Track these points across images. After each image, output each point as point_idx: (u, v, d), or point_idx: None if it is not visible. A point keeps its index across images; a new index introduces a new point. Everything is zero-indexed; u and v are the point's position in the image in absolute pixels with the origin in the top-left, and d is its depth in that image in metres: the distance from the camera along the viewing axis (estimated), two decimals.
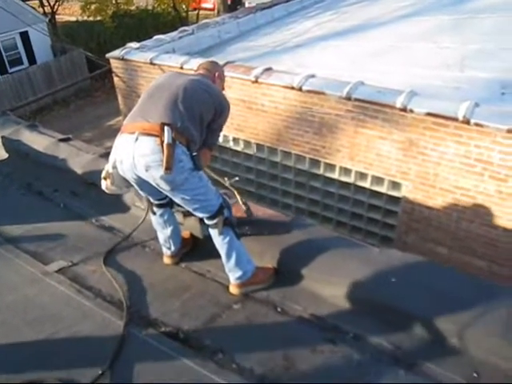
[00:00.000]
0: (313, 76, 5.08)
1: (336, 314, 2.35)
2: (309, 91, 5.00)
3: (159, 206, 2.61)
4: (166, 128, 2.15)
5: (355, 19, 7.72)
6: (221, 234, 2.40)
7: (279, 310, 2.42)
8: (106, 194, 2.61)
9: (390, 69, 5.69)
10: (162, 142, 2.13)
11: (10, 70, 16.73)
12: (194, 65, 5.71)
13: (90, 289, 2.58)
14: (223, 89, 2.74)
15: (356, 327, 2.27)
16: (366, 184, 5.20)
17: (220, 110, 2.44)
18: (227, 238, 2.41)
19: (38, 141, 4.23)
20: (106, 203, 3.36)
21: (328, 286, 2.45)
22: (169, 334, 2.22)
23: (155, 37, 7.04)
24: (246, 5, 19.26)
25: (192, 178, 2.24)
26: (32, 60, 17.40)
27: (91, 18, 18.93)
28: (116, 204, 3.37)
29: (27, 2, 19.95)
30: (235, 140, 6.08)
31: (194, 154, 2.23)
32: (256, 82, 5.33)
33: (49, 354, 2.16)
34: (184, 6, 20.23)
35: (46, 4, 19.89)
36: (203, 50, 7.04)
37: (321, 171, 5.49)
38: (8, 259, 2.90)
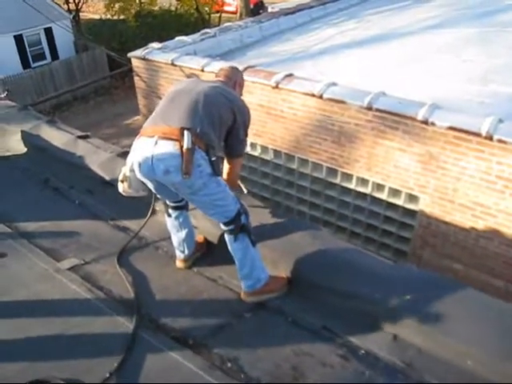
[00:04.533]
0: (334, 84, 5.04)
1: (349, 329, 2.30)
2: (329, 99, 4.96)
3: (175, 208, 2.59)
4: (185, 132, 2.13)
5: (379, 28, 7.66)
6: (236, 240, 2.36)
7: (290, 320, 2.37)
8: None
9: (413, 80, 5.63)
10: (182, 147, 2.11)
11: (33, 65, 16.96)
12: (214, 68, 5.71)
13: (101, 288, 2.56)
14: (241, 95, 2.72)
15: (369, 343, 2.22)
16: (383, 196, 5.13)
17: (240, 115, 2.42)
18: (243, 245, 2.37)
19: (57, 137, 4.25)
20: (121, 203, 3.33)
21: (342, 300, 2.40)
22: (178, 339, 2.19)
23: (177, 38, 7.06)
24: (269, 9, 19.29)
25: (210, 183, 2.21)
26: (55, 56, 17.63)
27: (115, 17, 19.11)
28: (131, 204, 3.34)
29: None
30: (252, 145, 6.05)
31: (213, 158, 2.21)
32: (276, 87, 5.31)
33: (57, 353, 2.14)
34: (207, 9, 20.31)
35: (71, 1, 20.11)
36: (224, 53, 7.04)
37: (337, 180, 5.44)
38: (21, 254, 2.90)
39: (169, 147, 2.13)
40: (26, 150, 4.40)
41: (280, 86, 5.28)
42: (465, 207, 4.58)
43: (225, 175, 2.55)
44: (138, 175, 2.26)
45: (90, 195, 3.66)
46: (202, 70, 5.80)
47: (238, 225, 2.34)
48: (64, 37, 16.46)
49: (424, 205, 4.85)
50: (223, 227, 2.40)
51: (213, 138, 2.24)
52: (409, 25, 7.55)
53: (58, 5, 18.59)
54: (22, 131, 4.42)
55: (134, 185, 2.36)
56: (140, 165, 2.21)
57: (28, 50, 16.89)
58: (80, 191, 3.72)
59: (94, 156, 3.91)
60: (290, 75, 5.35)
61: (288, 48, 7.15)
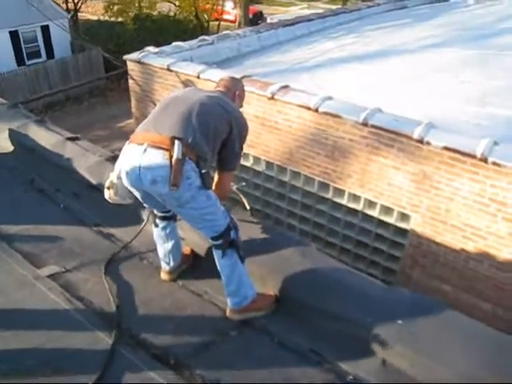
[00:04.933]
0: (330, 98, 4.99)
1: (337, 353, 2.21)
2: (325, 113, 4.91)
3: (163, 218, 2.50)
4: (176, 142, 2.05)
5: (378, 44, 7.66)
6: (224, 255, 2.28)
7: (277, 341, 2.29)
8: None
9: (410, 98, 5.60)
10: (171, 157, 2.02)
11: (28, 63, 16.80)
12: (210, 75, 5.65)
13: (81, 299, 2.45)
14: (241, 106, 2.64)
15: (357, 368, 2.14)
16: (375, 213, 5.08)
17: (237, 128, 2.33)
18: (231, 261, 2.29)
19: (46, 137, 4.15)
20: (107, 209, 3.21)
21: (331, 322, 2.32)
22: (159, 357, 2.09)
23: (174, 43, 6.99)
24: (268, 20, 19.38)
25: (199, 196, 2.13)
26: (50, 54, 17.49)
27: (113, 19, 19.04)
28: (117, 211, 3.24)
29: None
30: (245, 155, 5.98)
31: (203, 171, 2.12)
32: (272, 98, 5.25)
33: (33, 366, 2.03)
34: (206, 16, 20.34)
35: (70, 1, 20.02)
36: (221, 61, 6.98)
37: (329, 195, 5.37)
38: (1, 259, 2.78)
39: (158, 156, 2.05)
40: (13, 148, 4.30)
41: (276, 97, 5.22)
42: (456, 228, 4.53)
43: (214, 188, 2.46)
44: (125, 183, 2.17)
45: (76, 199, 3.56)
46: (198, 77, 5.73)
47: (226, 240, 2.25)
48: (61, 36, 16.36)
49: (415, 224, 4.80)
50: (211, 241, 2.31)
51: (205, 149, 2.16)
52: (408, 42, 7.56)
53: (57, 4, 18.49)
54: (10, 129, 4.31)
55: (120, 192, 2.27)
56: (127, 173, 2.12)
57: (23, 46, 16.73)
58: (66, 194, 3.61)
59: (82, 159, 3.81)
60: (286, 87, 5.30)
61: (285, 59, 7.11)
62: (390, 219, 4.99)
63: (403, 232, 4.97)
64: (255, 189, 6.10)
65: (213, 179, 2.40)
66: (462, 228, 4.50)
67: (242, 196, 2.87)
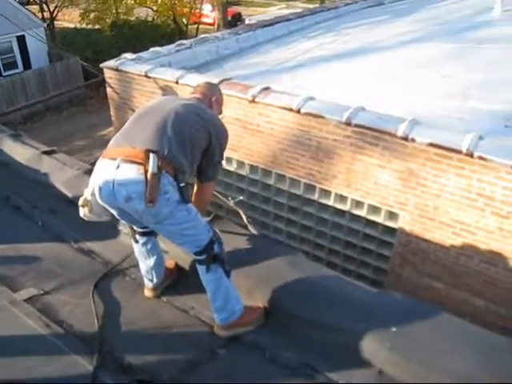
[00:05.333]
0: (312, 98, 4.92)
1: (331, 365, 2.13)
2: (307, 114, 4.83)
3: (143, 234, 2.39)
4: (151, 156, 1.94)
5: (357, 42, 7.62)
6: (208, 271, 2.18)
7: (268, 356, 2.19)
8: None
9: (392, 95, 5.55)
10: (146, 171, 1.92)
11: (4, 74, 16.50)
12: (189, 80, 5.54)
13: (60, 323, 2.33)
14: (220, 113, 2.53)
15: (353, 380, 2.05)
16: (362, 213, 5.01)
17: (216, 136, 2.23)
18: (215, 276, 2.19)
19: (21, 152, 4.02)
20: (86, 224, 3.07)
21: (322, 332, 2.23)
22: (143, 382, 1.98)
23: (152, 49, 6.87)
24: (247, 21, 19.30)
25: (178, 211, 2.02)
26: (27, 65, 17.19)
27: (90, 26, 18.80)
28: (97, 226, 3.12)
29: (27, 7, 19.87)
30: (228, 160, 5.87)
31: (182, 184, 2.01)
32: (253, 101, 5.16)
33: None
34: (184, 20, 20.19)
35: (46, 9, 19.75)
36: (200, 65, 6.88)
37: (315, 197, 5.30)
38: None
39: (132, 171, 1.94)
40: None
41: (256, 99, 5.13)
42: (445, 225, 4.48)
43: (193, 200, 2.36)
44: (99, 200, 2.06)
45: (54, 215, 3.43)
46: (177, 82, 5.61)
47: (210, 254, 2.15)
48: (37, 45, 16.06)
49: (404, 222, 4.74)
50: (194, 257, 2.21)
51: (183, 161, 2.05)
52: (387, 39, 7.52)
53: (33, 13, 18.20)
54: None
55: (95, 210, 2.15)
56: (100, 189, 2.01)
57: None
58: (43, 211, 3.48)
59: (60, 173, 3.69)
60: (267, 88, 5.21)
61: (265, 60, 7.03)
62: (378, 218, 4.93)
63: (392, 231, 4.91)
64: (239, 193, 6.00)
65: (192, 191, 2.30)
66: (450, 224, 4.45)
67: (241, 212, 2.75)
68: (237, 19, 22.50)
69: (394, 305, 2.31)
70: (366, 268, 5.34)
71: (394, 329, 2.12)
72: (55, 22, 20.26)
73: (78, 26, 19.48)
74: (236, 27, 8.65)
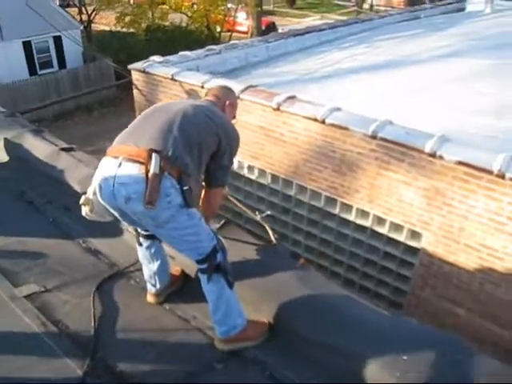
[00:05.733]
0: (338, 109, 4.79)
1: None
2: (332, 125, 4.70)
3: (147, 237, 2.30)
4: (153, 155, 1.84)
5: (389, 55, 7.45)
6: (210, 280, 2.06)
7: (268, 374, 2.06)
8: None
9: (422, 110, 5.37)
10: (148, 172, 1.82)
11: (40, 72, 16.89)
12: (215, 85, 5.48)
13: (56, 323, 2.25)
14: (234, 118, 2.43)
15: None
16: (384, 230, 4.83)
17: (226, 140, 2.12)
18: (217, 286, 2.07)
19: (40, 147, 4.00)
20: (97, 223, 3.05)
21: (328, 354, 2.09)
22: None
23: (181, 53, 6.86)
24: (279, 31, 19.27)
25: (180, 215, 1.91)
26: (62, 64, 17.56)
27: (124, 30, 19.09)
28: (107, 227, 3.06)
29: (67, 9, 20.37)
30: (250, 168, 5.79)
31: (185, 188, 1.91)
32: (278, 109, 5.06)
33: None
34: (218, 27, 20.32)
35: (85, 12, 20.19)
36: (228, 71, 6.83)
37: (336, 211, 5.14)
38: None
39: (133, 171, 1.85)
40: (7, 159, 4.16)
41: (281, 108, 5.03)
42: (471, 248, 4.27)
43: (201, 206, 2.25)
44: (100, 200, 1.98)
45: (66, 213, 3.38)
46: (202, 87, 5.56)
47: (212, 264, 2.04)
48: (73, 46, 16.38)
49: (427, 243, 4.54)
50: (197, 265, 2.10)
51: (188, 163, 1.94)
52: (420, 53, 7.33)
53: (72, 15, 18.63)
54: (5, 139, 4.17)
55: (96, 209, 2.07)
56: (101, 188, 1.93)
57: (36, 56, 16.83)
58: (56, 207, 3.44)
59: (76, 170, 3.65)
60: (293, 97, 5.10)
61: (294, 70, 6.93)
62: (400, 237, 4.74)
63: (413, 250, 4.71)
64: (259, 202, 5.89)
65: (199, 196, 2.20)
66: (477, 248, 4.24)
67: (267, 227, 2.62)
68: (271, 29, 22.45)
69: (407, 330, 2.15)
70: (384, 287, 5.14)
71: (405, 357, 1.96)
72: (92, 25, 20.67)
73: (113, 28, 19.81)
74: (267, 35, 8.57)
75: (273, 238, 2.60)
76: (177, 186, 1.88)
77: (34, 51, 16.72)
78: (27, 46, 16.43)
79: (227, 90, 2.49)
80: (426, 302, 4.77)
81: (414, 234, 4.63)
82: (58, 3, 21.71)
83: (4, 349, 2.09)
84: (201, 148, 2.01)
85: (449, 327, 4.58)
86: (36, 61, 16.88)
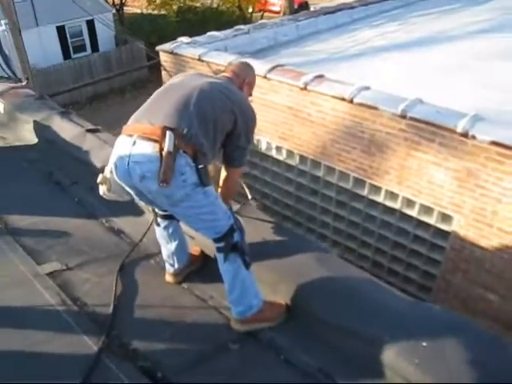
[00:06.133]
0: (367, 88, 4.65)
1: (349, 374, 1.94)
2: (360, 104, 4.57)
3: (164, 217, 2.29)
4: (167, 133, 1.81)
5: (423, 31, 7.18)
6: (226, 260, 2.04)
7: (283, 358, 2.03)
8: None
9: (456, 88, 5.16)
10: (162, 150, 1.79)
11: (74, 56, 17.15)
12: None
13: (76, 300, 2.28)
14: (250, 95, 2.37)
15: None
16: (413, 212, 4.70)
17: (242, 119, 2.07)
18: (233, 266, 2.05)
19: (67, 129, 4.04)
20: (120, 203, 3.08)
21: (345, 338, 2.04)
22: (146, 370, 1.88)
23: (209, 33, 6.80)
24: (311, 9, 18.84)
25: (195, 194, 1.88)
26: (95, 48, 17.76)
27: (155, 12, 19.09)
28: (130, 206, 3.08)
29: None
30: (278, 148, 5.72)
31: (201, 166, 1.87)
32: (305, 88, 4.96)
33: (10, 375, 1.87)
34: (249, 7, 20.06)
35: None
36: (256, 51, 6.73)
37: (365, 192, 5.03)
38: (3, 253, 2.67)
39: (147, 149, 1.83)
40: (37, 140, 4.23)
41: (309, 87, 4.92)
42: (504, 232, 4.11)
43: (220, 186, 2.23)
44: (116, 178, 1.97)
45: (91, 193, 3.41)
46: None
47: (229, 243, 2.01)
48: (105, 30, 16.50)
49: (458, 226, 4.39)
50: (213, 243, 2.08)
51: (203, 141, 1.90)
52: (456, 28, 7.03)
53: None
54: (34, 121, 4.25)
55: (114, 188, 2.06)
56: (116, 167, 1.92)
57: (69, 41, 17.07)
58: (82, 188, 3.48)
59: (101, 151, 3.66)
60: (321, 76, 4.99)
61: (324, 48, 6.78)
62: (430, 220, 4.61)
63: (444, 234, 4.58)
64: (287, 183, 5.84)
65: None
66: (510, 232, 4.07)
67: (244, 185, 2.67)
68: (303, 8, 21.98)
69: (428, 317, 2.06)
70: (413, 271, 5.03)
71: (424, 343, 1.89)
72: (125, 8, 20.74)
73: (145, 11, 19.82)
74: (297, 14, 8.39)
75: (248, 195, 2.71)
76: (192, 164, 1.85)
77: (68, 35, 16.95)
78: (61, 30, 16.67)
79: (246, 67, 2.42)
80: (456, 287, 4.64)
81: (445, 217, 4.49)
82: None
83: (24, 324, 2.14)
84: (216, 125, 1.97)
85: (479, 313, 4.45)
86: (70, 45, 17.12)
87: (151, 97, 2.11)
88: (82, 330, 2.06)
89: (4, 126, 4.66)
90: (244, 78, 2.33)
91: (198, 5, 19.79)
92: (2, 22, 5.37)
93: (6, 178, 3.72)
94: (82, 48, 17.45)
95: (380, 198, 4.96)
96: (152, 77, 16.36)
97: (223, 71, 2.36)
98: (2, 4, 5.42)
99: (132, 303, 2.29)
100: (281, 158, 5.78)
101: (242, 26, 7.10)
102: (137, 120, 1.97)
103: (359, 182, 5.08)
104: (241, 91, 2.23)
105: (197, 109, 1.92)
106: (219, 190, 2.28)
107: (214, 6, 19.87)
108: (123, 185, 1.98)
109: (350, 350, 1.99)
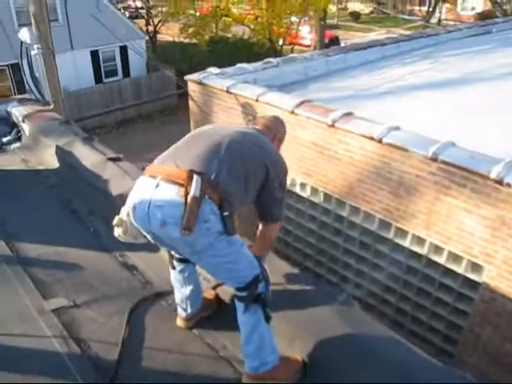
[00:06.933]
0: (397, 128, 4.50)
1: None
2: (389, 145, 4.42)
3: (180, 260, 2.16)
4: (195, 177, 1.71)
5: (454, 71, 7.04)
6: (247, 310, 1.90)
7: None
8: None
9: (488, 132, 4.98)
10: (187, 194, 1.68)
11: (105, 80, 17.54)
12: (270, 98, 5.36)
13: (79, 342, 2.16)
14: (279, 149, 2.28)
15: None
16: (441, 260, 4.47)
17: (275, 170, 1.98)
18: (254, 318, 1.90)
19: (89, 156, 4.01)
20: None
21: None
22: None
23: (238, 65, 6.79)
24: (342, 45, 19.00)
25: (218, 243, 1.76)
26: (126, 73, 18.18)
27: (187, 40, 19.47)
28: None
29: (135, 20, 21.12)
30: (302, 185, 5.59)
31: (226, 213, 1.75)
32: (333, 126, 4.84)
33: None
34: (280, 40, 20.31)
35: (151, 23, 20.82)
36: (285, 85, 6.67)
37: (390, 235, 4.83)
38: (11, 285, 2.59)
39: (171, 192, 1.72)
40: (58, 165, 4.20)
41: (337, 124, 4.80)
42: None
43: (256, 241, 2.14)
44: (133, 221, 1.86)
45: (108, 224, 3.32)
46: (257, 100, 5.44)
47: (252, 293, 1.88)
48: (137, 56, 16.91)
49: (489, 277, 4.15)
50: (235, 292, 1.94)
51: (232, 190, 1.80)
52: (488, 69, 6.88)
53: (139, 26, 19.27)
54: (57, 146, 4.23)
55: (130, 231, 1.95)
56: (135, 209, 1.80)
57: (102, 65, 17.52)
58: (98, 218, 3.40)
59: (120, 181, 3.60)
60: (349, 114, 4.87)
61: (353, 85, 6.69)
62: (459, 268, 4.36)
63: (473, 284, 4.32)
64: (310, 221, 5.67)
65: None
66: None
67: None
68: (334, 42, 22.23)
69: None
70: (438, 321, 4.75)
71: None
72: (158, 35, 21.26)
73: (176, 39, 20.25)
74: (327, 49, 8.38)
75: None
76: (217, 211, 1.74)
77: (101, 60, 17.42)
78: (95, 55, 17.14)
79: (278, 122, 2.36)
80: (485, 341, 4.35)
81: (475, 267, 4.25)
82: (127, 15, 22.57)
83: (24, 368, 2.01)
84: (247, 175, 1.88)
85: (510, 369, 4.16)
86: (102, 69, 17.57)
87: (179, 141, 2.02)
88: (83, 378, 1.92)
89: (28, 148, 4.68)
90: (275, 133, 2.28)
91: (229, 35, 20.14)
92: (35, 46, 5.44)
93: (24, 202, 3.69)
94: (114, 73, 17.88)
95: (406, 243, 4.74)
96: (182, 105, 16.58)
97: (253, 123, 2.30)
98: (38, 30, 5.51)
99: (139, 349, 2.16)
100: (305, 195, 5.64)
101: (271, 59, 7.08)
102: (162, 161, 1.87)
103: (385, 225, 4.88)
104: (271, 143, 2.14)
105: (227, 156, 1.83)
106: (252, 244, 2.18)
107: (245, 37, 20.17)
108: (140, 229, 1.87)
109: None
